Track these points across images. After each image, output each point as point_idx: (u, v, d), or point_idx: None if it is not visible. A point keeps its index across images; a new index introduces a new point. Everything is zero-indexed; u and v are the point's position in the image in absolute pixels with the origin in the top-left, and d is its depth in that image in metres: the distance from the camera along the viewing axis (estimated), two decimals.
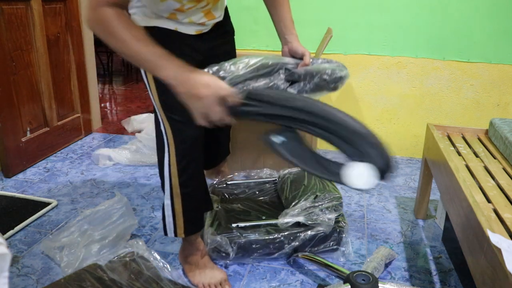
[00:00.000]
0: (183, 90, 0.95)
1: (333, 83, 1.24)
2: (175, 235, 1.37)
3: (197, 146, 1.28)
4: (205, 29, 1.24)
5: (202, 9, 1.17)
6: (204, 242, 1.51)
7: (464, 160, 1.51)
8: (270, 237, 1.50)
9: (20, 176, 2.18)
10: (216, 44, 1.29)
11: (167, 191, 1.32)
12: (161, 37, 1.06)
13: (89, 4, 0.94)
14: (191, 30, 1.20)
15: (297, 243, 1.50)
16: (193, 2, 1.11)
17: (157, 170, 2.27)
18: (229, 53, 1.40)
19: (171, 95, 1.00)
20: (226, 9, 1.35)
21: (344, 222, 1.58)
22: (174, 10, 1.12)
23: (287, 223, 1.52)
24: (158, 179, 2.19)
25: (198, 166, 1.33)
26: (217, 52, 1.27)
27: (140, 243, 1.48)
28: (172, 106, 1.18)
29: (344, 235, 1.55)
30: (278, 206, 1.73)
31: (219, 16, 1.27)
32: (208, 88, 0.94)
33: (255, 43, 2.49)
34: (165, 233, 1.38)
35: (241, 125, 2.00)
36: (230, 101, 0.95)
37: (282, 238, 1.50)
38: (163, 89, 1.13)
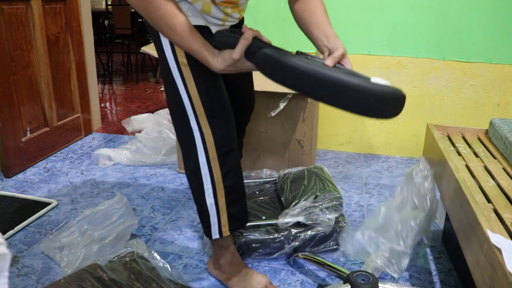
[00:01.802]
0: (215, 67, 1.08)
1: None
2: (221, 235, 1.32)
3: (234, 135, 1.28)
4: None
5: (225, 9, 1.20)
6: (204, 242, 1.51)
7: (464, 160, 1.51)
8: (270, 237, 1.50)
9: (20, 176, 2.18)
10: None
11: (208, 190, 1.27)
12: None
13: None
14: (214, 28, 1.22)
15: (297, 243, 1.50)
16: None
17: (157, 170, 2.27)
18: None
19: (207, 79, 1.17)
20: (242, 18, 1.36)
21: (344, 222, 1.58)
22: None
23: (287, 223, 1.52)
24: (159, 179, 2.20)
25: (237, 155, 1.31)
26: None
27: (140, 243, 1.48)
28: (212, 96, 1.22)
29: (344, 235, 1.55)
30: (278, 206, 1.73)
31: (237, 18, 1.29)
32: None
33: None
34: (209, 236, 1.33)
35: None
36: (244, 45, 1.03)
37: (282, 238, 1.50)
38: (201, 73, 1.18)
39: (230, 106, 1.28)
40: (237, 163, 1.32)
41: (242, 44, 1.02)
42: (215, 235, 1.32)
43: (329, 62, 0.99)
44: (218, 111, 1.24)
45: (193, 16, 1.17)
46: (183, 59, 1.18)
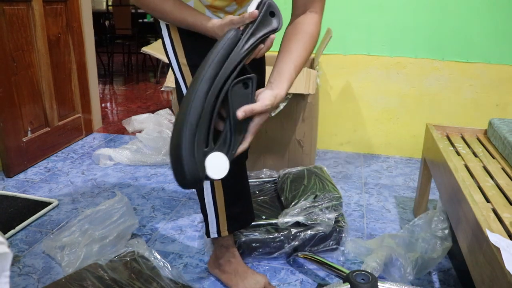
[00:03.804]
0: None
1: None
2: (219, 234, 1.33)
3: None
4: None
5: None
6: (204, 241, 1.52)
7: (463, 160, 1.51)
8: (270, 236, 1.50)
9: (21, 176, 2.18)
10: None
11: (207, 189, 1.28)
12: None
13: None
14: None
15: (297, 243, 1.51)
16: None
17: (157, 170, 2.28)
18: None
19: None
20: None
21: (344, 222, 1.58)
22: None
23: (287, 222, 1.52)
24: (159, 179, 2.20)
25: (238, 156, 1.31)
26: None
27: (141, 242, 1.48)
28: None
29: (343, 235, 1.56)
30: (278, 206, 1.74)
31: None
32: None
33: None
34: (208, 235, 1.35)
35: None
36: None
37: (282, 237, 1.51)
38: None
39: None
40: (239, 164, 1.30)
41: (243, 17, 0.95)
42: (213, 234, 1.33)
43: (239, 113, 0.86)
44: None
45: None
46: (183, 60, 1.19)
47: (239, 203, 1.34)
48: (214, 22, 1.03)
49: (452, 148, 1.64)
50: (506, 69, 2.33)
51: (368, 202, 2.01)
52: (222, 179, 1.23)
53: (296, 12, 1.11)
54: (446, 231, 1.41)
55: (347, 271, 1.27)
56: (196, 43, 1.13)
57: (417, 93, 2.46)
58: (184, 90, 1.22)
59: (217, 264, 1.42)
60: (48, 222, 1.76)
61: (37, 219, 1.77)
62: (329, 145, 2.65)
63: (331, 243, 1.55)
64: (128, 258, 1.38)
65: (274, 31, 0.96)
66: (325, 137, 2.63)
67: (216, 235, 1.33)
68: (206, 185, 1.28)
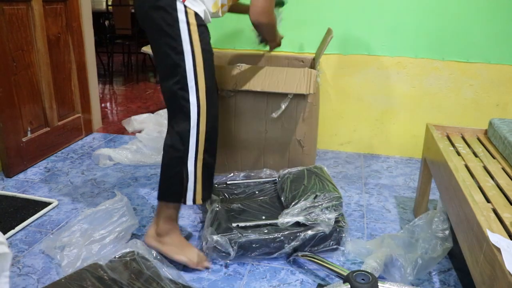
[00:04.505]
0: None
1: None
2: (194, 202, 1.44)
3: (218, 115, 1.48)
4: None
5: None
6: (203, 241, 1.52)
7: (464, 160, 1.51)
8: (270, 236, 1.50)
9: (21, 176, 2.18)
10: None
11: (191, 158, 1.42)
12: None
13: (265, 7, 1.45)
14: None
15: (297, 243, 1.51)
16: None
17: (157, 170, 2.28)
18: None
19: (210, 65, 1.42)
20: None
21: (344, 222, 1.58)
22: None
23: (287, 222, 1.52)
24: (159, 178, 2.20)
25: (218, 132, 1.50)
26: None
27: (141, 242, 1.48)
28: (211, 75, 1.43)
29: (344, 235, 1.56)
30: (278, 206, 1.74)
31: None
32: None
33: (255, 43, 2.49)
34: (183, 201, 1.45)
35: (241, 125, 2.00)
36: None
37: (282, 237, 1.50)
38: (207, 58, 1.40)
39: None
40: (217, 140, 1.49)
41: None
42: (189, 201, 1.45)
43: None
44: (214, 90, 1.45)
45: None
46: (196, 37, 1.37)
47: (211, 176, 1.52)
48: None
49: (452, 148, 1.63)
50: (506, 69, 2.33)
51: (368, 202, 2.01)
52: (205, 152, 1.44)
53: None
54: (447, 232, 1.41)
55: (347, 271, 1.27)
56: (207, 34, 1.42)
57: (417, 93, 2.45)
58: (189, 66, 1.37)
59: (157, 236, 1.50)
60: (48, 222, 1.76)
61: (36, 219, 1.77)
62: (329, 145, 2.65)
63: (331, 243, 1.55)
64: (128, 258, 1.38)
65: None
66: (325, 137, 2.63)
67: (191, 203, 1.45)
68: (191, 154, 1.41)
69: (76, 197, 1.98)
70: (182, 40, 1.35)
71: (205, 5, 1.40)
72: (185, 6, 1.34)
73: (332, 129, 2.61)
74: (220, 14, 1.50)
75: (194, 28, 1.36)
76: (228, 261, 1.52)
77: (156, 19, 1.35)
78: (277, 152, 2.03)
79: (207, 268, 1.48)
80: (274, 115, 1.93)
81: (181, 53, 1.36)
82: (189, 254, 1.47)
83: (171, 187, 1.45)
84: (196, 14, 1.36)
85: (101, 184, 2.11)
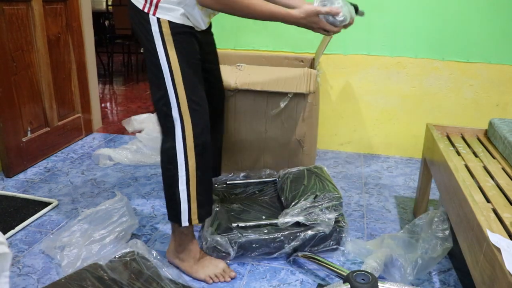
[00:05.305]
0: (305, 22, 1.32)
1: None
2: (190, 222, 1.38)
3: (209, 127, 1.38)
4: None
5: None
6: (203, 241, 1.52)
7: (464, 160, 1.51)
8: (270, 236, 1.50)
9: (21, 176, 2.18)
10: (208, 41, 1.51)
11: (182, 177, 1.34)
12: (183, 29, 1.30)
13: None
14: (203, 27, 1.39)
15: (297, 243, 1.51)
16: None
17: (157, 170, 2.28)
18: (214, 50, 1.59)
19: (192, 76, 1.31)
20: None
21: (344, 222, 1.58)
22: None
23: (287, 222, 1.52)
24: (159, 179, 2.20)
25: (210, 147, 1.40)
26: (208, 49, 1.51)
27: (141, 242, 1.48)
28: (193, 87, 1.33)
29: (344, 235, 1.56)
30: (278, 206, 1.74)
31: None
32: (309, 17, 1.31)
33: (255, 43, 2.49)
34: (179, 223, 1.39)
35: (241, 125, 2.00)
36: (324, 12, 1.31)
37: (282, 237, 1.50)
38: (187, 69, 1.30)
39: (206, 100, 1.38)
40: (210, 155, 1.41)
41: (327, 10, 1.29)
42: (185, 222, 1.39)
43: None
44: (198, 103, 1.34)
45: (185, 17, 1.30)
46: (172, 52, 1.29)
47: (207, 193, 1.42)
48: (299, 12, 1.29)
49: (452, 148, 1.63)
50: (506, 69, 2.33)
51: (368, 202, 2.01)
52: (197, 169, 1.36)
53: None
54: (447, 232, 1.41)
55: (347, 271, 1.27)
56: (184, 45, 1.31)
57: (417, 93, 2.45)
58: (168, 80, 1.29)
59: (177, 253, 1.46)
60: (47, 222, 1.76)
61: (36, 219, 1.77)
62: (329, 145, 2.65)
63: (331, 243, 1.55)
64: (128, 258, 1.38)
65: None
66: (325, 137, 2.63)
67: (187, 224, 1.39)
68: (181, 173, 1.34)
69: (76, 197, 1.98)
70: (158, 53, 1.28)
71: (184, 8, 1.27)
72: (157, 18, 1.26)
73: (332, 129, 2.61)
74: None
75: (168, 37, 1.27)
76: (228, 261, 1.52)
77: (139, 35, 1.32)
78: (277, 152, 2.03)
79: (232, 278, 1.44)
80: (273, 112, 1.92)
81: (159, 67, 1.29)
82: (209, 269, 1.43)
83: (170, 209, 1.41)
84: (171, 23, 1.27)
85: (101, 184, 2.11)
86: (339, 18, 1.31)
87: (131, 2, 1.30)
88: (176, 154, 1.33)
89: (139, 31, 1.31)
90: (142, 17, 1.28)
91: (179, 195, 1.36)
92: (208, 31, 1.49)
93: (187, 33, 1.31)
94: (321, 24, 1.32)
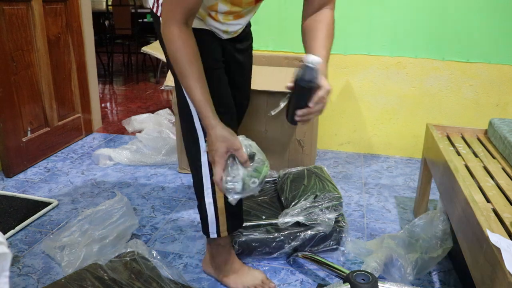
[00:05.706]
0: (212, 138, 1.10)
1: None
2: (218, 235, 1.33)
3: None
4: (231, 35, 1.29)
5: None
6: (205, 242, 1.51)
7: (464, 160, 1.51)
8: (270, 236, 1.50)
9: (21, 176, 2.18)
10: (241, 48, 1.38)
11: (207, 189, 1.29)
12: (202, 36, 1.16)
13: (162, 18, 1.06)
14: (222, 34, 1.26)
15: (297, 243, 1.51)
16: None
17: (157, 170, 2.28)
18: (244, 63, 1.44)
19: (212, 79, 1.14)
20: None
21: (344, 222, 1.58)
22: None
23: (287, 222, 1.52)
24: (159, 179, 2.20)
25: None
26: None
27: (141, 242, 1.48)
28: (212, 96, 1.16)
29: (344, 235, 1.56)
30: (278, 206, 1.74)
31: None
32: (224, 142, 1.10)
33: (255, 43, 2.49)
34: (207, 235, 1.35)
35: (240, 125, 2.00)
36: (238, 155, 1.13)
37: (282, 237, 1.50)
38: (211, 79, 1.15)
39: (234, 107, 1.31)
40: None
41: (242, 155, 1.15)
42: (213, 234, 1.34)
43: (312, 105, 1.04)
44: (223, 111, 1.20)
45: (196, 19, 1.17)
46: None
47: (237, 204, 1.32)
48: (219, 130, 1.09)
49: (452, 148, 1.63)
50: (506, 69, 2.33)
51: (368, 202, 2.01)
52: None
53: (311, 10, 1.17)
54: (447, 232, 1.41)
55: (347, 271, 1.27)
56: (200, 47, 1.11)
57: (417, 93, 2.45)
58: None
59: (213, 263, 1.42)
60: (48, 222, 1.76)
61: (36, 219, 1.77)
62: (329, 145, 2.65)
63: (331, 243, 1.55)
64: (128, 258, 1.38)
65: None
66: (325, 137, 2.63)
67: (215, 235, 1.34)
68: (207, 185, 1.28)
69: (76, 197, 1.98)
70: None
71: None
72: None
73: (332, 129, 2.61)
74: (220, 20, 1.21)
75: None
76: None
77: (159, 39, 1.22)
78: (277, 152, 2.03)
79: None
80: (272, 112, 1.92)
81: (175, 74, 1.18)
82: (247, 280, 1.39)
83: (201, 220, 1.37)
84: None
85: (101, 184, 2.11)
86: (230, 180, 1.08)
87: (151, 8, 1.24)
88: (201, 165, 1.28)
89: (158, 35, 1.22)
90: (156, 21, 1.22)
91: (205, 208, 1.32)
92: (240, 40, 1.36)
93: (203, 37, 1.18)
94: (217, 155, 1.08)
